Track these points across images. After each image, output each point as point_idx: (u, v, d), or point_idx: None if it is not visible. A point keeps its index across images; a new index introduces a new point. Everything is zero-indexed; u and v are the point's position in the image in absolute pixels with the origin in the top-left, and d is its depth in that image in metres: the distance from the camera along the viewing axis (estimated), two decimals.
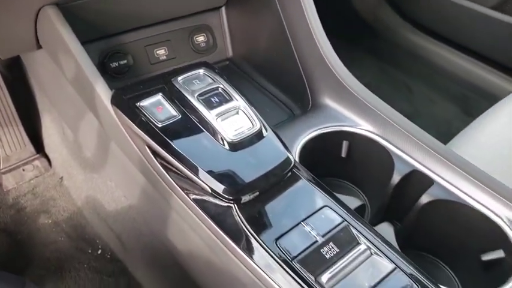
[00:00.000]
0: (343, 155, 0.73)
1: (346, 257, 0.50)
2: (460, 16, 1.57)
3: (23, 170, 1.37)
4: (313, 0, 0.81)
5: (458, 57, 1.64)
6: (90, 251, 1.23)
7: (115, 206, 1.08)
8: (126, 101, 0.61)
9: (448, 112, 1.64)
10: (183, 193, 0.58)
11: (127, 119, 0.60)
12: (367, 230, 0.53)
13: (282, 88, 0.89)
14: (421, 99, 1.73)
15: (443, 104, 1.69)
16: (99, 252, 1.23)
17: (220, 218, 0.55)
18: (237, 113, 0.60)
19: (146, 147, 0.60)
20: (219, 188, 0.54)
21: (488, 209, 0.60)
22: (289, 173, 0.58)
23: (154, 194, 0.72)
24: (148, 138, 0.58)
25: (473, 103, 1.56)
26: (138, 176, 0.71)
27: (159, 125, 0.58)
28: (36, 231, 1.28)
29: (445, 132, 1.02)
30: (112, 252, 1.22)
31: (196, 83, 0.63)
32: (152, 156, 0.60)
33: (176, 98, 0.61)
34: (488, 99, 1.40)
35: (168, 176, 0.59)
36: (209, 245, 0.60)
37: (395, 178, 0.65)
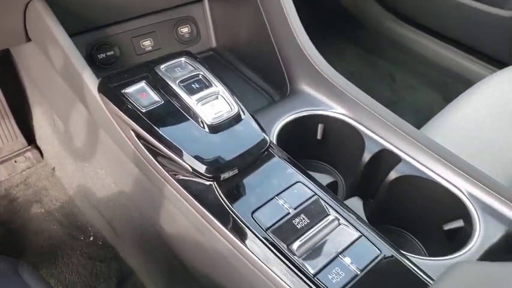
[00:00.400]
0: (319, 137, 0.78)
1: (316, 227, 0.54)
2: (439, 5, 1.62)
3: (15, 161, 1.40)
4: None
5: (438, 45, 1.70)
6: (82, 238, 1.27)
7: (105, 193, 1.12)
8: (112, 89, 0.64)
9: (429, 98, 1.70)
10: (167, 174, 0.62)
11: (113, 105, 0.64)
12: (336, 203, 0.58)
13: (263, 76, 0.93)
14: (403, 86, 1.79)
15: (424, 90, 1.74)
16: (91, 239, 1.27)
17: (201, 195, 0.59)
18: (217, 98, 0.64)
19: (131, 131, 0.64)
20: (200, 167, 0.58)
21: (450, 183, 0.65)
22: (266, 153, 0.63)
23: (141, 178, 0.77)
24: (133, 123, 0.62)
25: (452, 88, 1.61)
26: (126, 161, 0.75)
27: (143, 110, 0.62)
28: (29, 221, 1.31)
29: (425, 117, 1.06)
30: (104, 239, 1.26)
31: (178, 70, 0.67)
32: (137, 139, 0.64)
33: (159, 85, 0.65)
34: (466, 84, 1.45)
35: (152, 158, 0.63)
36: (193, 222, 0.64)
37: (366, 156, 0.70)
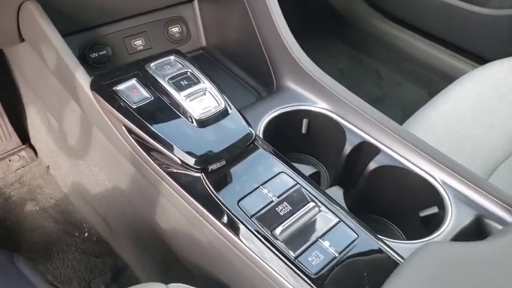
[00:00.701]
0: (304, 131, 0.81)
1: (297, 213, 0.58)
2: (424, 5, 1.67)
3: (10, 160, 1.43)
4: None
5: (423, 43, 1.74)
6: (77, 234, 1.30)
7: (99, 189, 1.15)
8: (104, 86, 0.68)
9: (414, 94, 1.74)
10: (158, 167, 0.65)
11: (105, 102, 0.67)
12: (317, 191, 0.62)
13: (250, 74, 0.96)
14: (389, 84, 1.83)
15: (410, 87, 1.79)
16: (86, 235, 1.30)
17: (190, 186, 0.63)
18: (204, 94, 0.68)
19: (123, 127, 0.67)
20: (189, 159, 0.62)
21: (426, 172, 0.69)
22: (251, 145, 0.66)
23: (134, 174, 0.80)
24: (125, 119, 0.65)
25: (437, 85, 1.66)
26: (119, 157, 0.78)
27: (134, 106, 0.65)
28: (24, 218, 1.34)
29: (411, 113, 1.10)
30: (98, 235, 1.29)
31: (167, 68, 0.70)
32: (128, 135, 0.67)
33: (149, 82, 0.68)
34: (450, 81, 1.50)
35: (143, 152, 0.66)
36: (183, 213, 0.67)
37: (347, 148, 0.73)
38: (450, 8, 1.59)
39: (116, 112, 0.65)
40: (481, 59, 1.52)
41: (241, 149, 0.65)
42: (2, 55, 1.23)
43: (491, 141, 1.02)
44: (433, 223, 0.65)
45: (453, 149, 0.97)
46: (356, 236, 0.57)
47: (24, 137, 1.43)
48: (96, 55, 0.94)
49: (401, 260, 0.55)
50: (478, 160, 0.98)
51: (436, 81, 1.70)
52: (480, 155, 0.99)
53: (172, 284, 0.65)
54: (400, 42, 1.80)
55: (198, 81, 0.69)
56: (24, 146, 1.43)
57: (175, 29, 1.08)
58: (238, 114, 0.68)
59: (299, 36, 0.97)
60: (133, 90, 0.67)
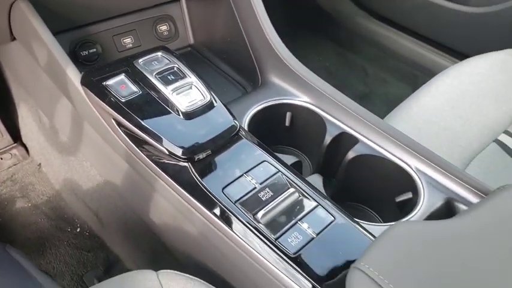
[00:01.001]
0: (287, 124, 0.85)
1: (278, 198, 0.62)
2: (408, 3, 1.72)
3: (1, 158, 1.44)
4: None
5: (408, 40, 1.79)
6: (69, 230, 1.32)
7: (91, 184, 1.17)
8: (94, 81, 0.71)
9: (400, 90, 1.79)
10: (146, 158, 0.69)
11: (95, 96, 0.70)
12: (297, 178, 0.65)
13: (237, 70, 1.00)
14: (375, 80, 1.87)
15: (395, 83, 1.84)
16: (78, 230, 1.32)
17: (177, 175, 0.66)
18: (191, 88, 0.71)
19: (113, 120, 0.70)
20: (176, 150, 0.65)
21: (401, 160, 0.72)
22: (236, 136, 0.69)
23: (124, 167, 0.83)
24: (114, 112, 0.68)
25: (421, 81, 1.71)
26: (109, 151, 0.81)
27: (123, 100, 0.68)
28: (16, 215, 1.36)
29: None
30: (90, 230, 1.31)
31: (154, 64, 0.73)
32: (118, 128, 0.70)
33: (137, 77, 0.71)
34: (433, 76, 1.55)
35: (132, 144, 0.69)
36: (171, 202, 0.70)
37: (328, 139, 0.77)
38: (432, 6, 1.64)
39: (106, 106, 0.68)
40: (461, 55, 1.57)
41: (226, 139, 0.68)
42: None
43: (469, 133, 1.06)
44: (408, 207, 0.69)
45: (432, 140, 1.01)
46: (333, 218, 0.60)
47: (15, 135, 1.45)
48: (87, 53, 0.97)
49: (373, 239, 0.59)
50: (456, 151, 1.02)
51: (420, 77, 1.75)
52: (458, 146, 1.03)
53: (162, 270, 0.68)
54: (386, 40, 1.85)
55: (184, 76, 0.72)
56: (15, 144, 1.45)
57: (163, 27, 1.11)
58: (223, 107, 0.71)
59: (287, 35, 1.00)
60: (122, 85, 0.70)
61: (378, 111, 1.01)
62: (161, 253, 1.02)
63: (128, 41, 1.06)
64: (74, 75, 0.74)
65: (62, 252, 1.28)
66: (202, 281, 0.64)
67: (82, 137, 1.01)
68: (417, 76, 1.77)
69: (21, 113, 1.39)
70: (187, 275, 0.66)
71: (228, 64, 1.04)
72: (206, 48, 1.11)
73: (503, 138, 1.09)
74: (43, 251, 1.28)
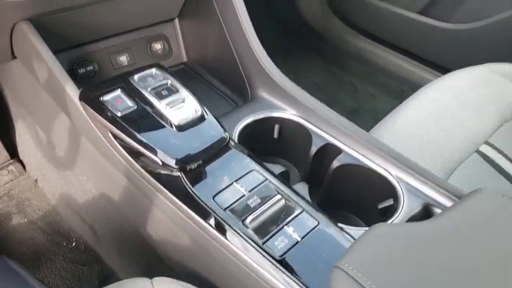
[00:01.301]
0: (276, 136, 0.89)
1: (265, 205, 0.66)
2: (394, 21, 1.79)
3: None
4: (267, 12, 0.96)
5: (395, 56, 1.86)
6: (65, 244, 1.34)
7: (86, 198, 1.20)
8: (92, 97, 0.75)
9: (388, 105, 1.84)
10: (141, 168, 0.72)
11: (93, 111, 0.74)
12: (284, 186, 0.69)
13: (228, 85, 1.05)
14: (364, 96, 1.93)
15: (383, 98, 1.89)
16: (74, 244, 1.34)
17: (170, 184, 0.70)
18: (183, 102, 0.75)
19: (109, 133, 0.74)
20: (169, 160, 0.69)
21: (383, 168, 0.77)
22: (226, 147, 0.74)
23: (119, 178, 0.86)
24: (111, 126, 0.72)
25: (408, 95, 1.77)
26: (105, 163, 0.85)
27: (119, 114, 0.72)
28: (12, 230, 1.38)
29: None
30: (86, 244, 1.33)
31: (149, 80, 0.78)
32: (114, 140, 0.74)
33: (133, 92, 0.76)
34: None
35: (127, 155, 0.73)
36: (164, 211, 0.74)
37: (313, 150, 0.81)
38: (416, 23, 1.71)
39: (103, 120, 0.72)
40: (444, 69, 1.63)
41: (217, 150, 0.72)
42: None
43: (451, 145, 1.10)
44: (390, 213, 0.73)
45: (416, 152, 1.06)
46: (317, 223, 0.64)
47: (12, 151, 1.48)
48: (84, 70, 1.02)
49: None
50: (439, 161, 1.06)
51: (407, 92, 1.81)
52: (441, 157, 1.08)
53: (156, 277, 0.71)
54: (373, 57, 1.92)
55: (177, 91, 0.77)
56: (12, 160, 1.48)
57: (158, 46, 1.16)
58: (214, 119, 0.75)
59: (278, 52, 1.05)
60: (118, 100, 0.74)
61: (367, 125, 1.06)
62: (155, 263, 1.04)
63: (123, 59, 1.10)
64: (72, 91, 0.78)
65: (58, 267, 1.30)
66: (195, 287, 0.67)
67: (79, 151, 1.05)
68: (404, 91, 1.83)
69: (18, 130, 1.43)
70: (181, 282, 0.69)
71: (219, 80, 1.09)
72: (199, 65, 1.16)
73: (485, 149, 1.13)
74: (39, 266, 1.30)
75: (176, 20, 1.16)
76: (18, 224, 1.39)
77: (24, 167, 1.50)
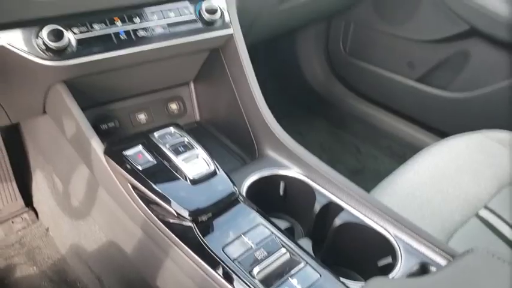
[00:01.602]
0: (281, 193, 0.95)
1: (271, 257, 0.70)
2: (394, 88, 1.90)
3: (12, 222, 1.52)
4: (275, 77, 1.06)
5: (395, 120, 1.95)
6: None
7: (96, 247, 1.24)
8: (116, 151, 0.82)
9: (390, 166, 1.90)
10: (156, 218, 0.78)
11: (116, 164, 0.81)
12: (289, 240, 0.74)
13: (237, 143, 1.13)
14: (367, 157, 2.00)
15: (386, 160, 1.96)
16: None
17: (183, 234, 0.75)
18: (197, 157, 0.82)
19: (129, 184, 0.80)
20: (183, 212, 0.75)
21: (383, 227, 0.82)
22: (235, 201, 0.79)
23: (132, 227, 0.91)
24: (132, 178, 0.79)
25: (409, 157, 1.84)
26: (120, 213, 0.90)
27: (140, 168, 0.79)
28: (21, 278, 1.41)
29: None
30: None
31: (167, 137, 0.86)
32: (133, 191, 0.80)
33: (153, 148, 0.83)
34: None
35: (144, 206, 0.79)
36: (176, 260, 0.78)
37: (317, 207, 0.87)
38: (416, 90, 1.82)
39: (125, 173, 0.79)
40: (444, 134, 1.71)
41: (227, 203, 0.78)
42: (16, 124, 1.39)
43: (450, 207, 1.14)
44: (388, 270, 0.77)
45: (415, 213, 1.10)
46: (319, 275, 0.68)
47: (27, 199, 1.55)
48: (106, 127, 1.10)
49: None
50: (438, 223, 1.10)
51: (407, 154, 1.87)
52: (439, 219, 1.12)
53: None
54: (375, 120, 2.01)
55: (192, 148, 0.84)
56: (27, 208, 1.54)
57: (174, 106, 1.26)
58: (225, 175, 0.82)
59: (284, 114, 1.14)
60: (139, 155, 0.82)
61: (370, 186, 1.11)
62: None
63: (142, 117, 1.20)
64: (97, 145, 0.86)
65: None
66: None
67: (95, 201, 1.10)
68: (406, 153, 1.90)
69: (35, 179, 1.50)
70: None
71: (228, 138, 1.17)
72: (210, 124, 1.25)
73: (484, 213, 1.16)
74: None
75: (191, 83, 1.27)
76: (27, 271, 1.42)
77: (37, 215, 1.55)
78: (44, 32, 0.82)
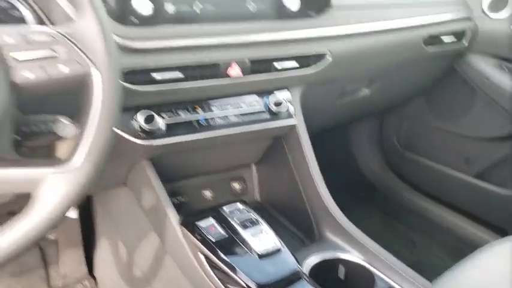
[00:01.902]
0: (342, 277, 0.98)
1: None
2: (451, 183, 1.89)
3: None
4: (330, 171, 1.14)
5: (453, 216, 1.91)
6: None
7: None
8: (191, 223, 0.91)
9: (445, 262, 1.84)
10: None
11: (190, 235, 0.89)
12: None
13: (295, 225, 1.19)
14: (422, 251, 1.95)
15: (441, 256, 1.90)
16: None
17: None
18: (262, 232, 0.89)
19: (200, 254, 0.87)
20: (250, 283, 0.80)
21: None
22: (298, 279, 0.83)
23: None
24: (205, 248, 0.86)
25: (466, 255, 1.78)
26: (183, 282, 0.96)
27: (213, 240, 0.87)
28: None
29: None
30: None
31: (236, 212, 0.94)
32: (205, 262, 0.87)
33: (224, 222, 0.91)
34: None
35: (213, 275, 0.85)
36: None
37: None
38: (474, 186, 1.81)
39: (199, 243, 0.87)
40: (502, 231, 1.66)
41: (290, 281, 0.82)
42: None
43: None
44: None
45: None
46: None
47: (90, 266, 1.63)
48: (176, 201, 1.21)
49: None
50: None
51: (465, 250, 1.81)
52: None
53: None
54: (431, 214, 1.98)
55: (258, 223, 0.91)
56: (88, 275, 1.62)
57: (236, 185, 1.36)
58: (289, 252, 0.87)
59: (339, 203, 1.19)
60: (211, 227, 0.90)
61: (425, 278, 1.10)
62: None
63: (207, 193, 1.30)
64: (173, 216, 0.95)
65: None
66: None
67: (159, 271, 1.17)
68: (462, 249, 1.84)
69: (100, 247, 1.59)
70: None
71: (287, 219, 1.23)
72: (269, 205, 1.32)
73: None
74: None
75: (253, 165, 1.37)
76: None
77: (96, 282, 1.62)
78: (139, 116, 0.95)
